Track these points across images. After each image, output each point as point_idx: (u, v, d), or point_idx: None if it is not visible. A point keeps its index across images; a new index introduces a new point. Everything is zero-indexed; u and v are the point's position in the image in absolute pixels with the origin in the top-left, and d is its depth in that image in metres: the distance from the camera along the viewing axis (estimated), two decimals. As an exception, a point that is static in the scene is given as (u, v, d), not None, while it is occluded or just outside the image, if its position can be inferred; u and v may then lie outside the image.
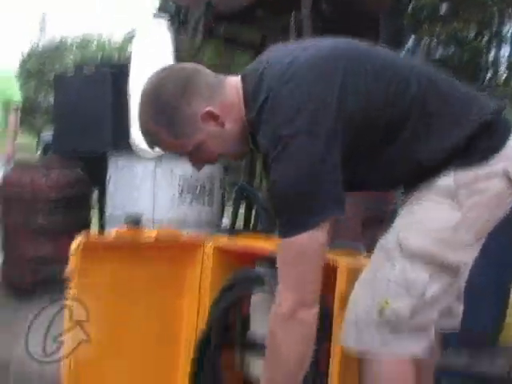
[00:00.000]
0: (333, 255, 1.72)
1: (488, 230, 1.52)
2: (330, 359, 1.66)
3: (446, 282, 1.48)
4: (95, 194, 4.46)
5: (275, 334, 1.45)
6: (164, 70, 1.55)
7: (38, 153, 10.34)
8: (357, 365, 1.53)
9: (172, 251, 1.95)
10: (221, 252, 2.01)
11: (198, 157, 1.54)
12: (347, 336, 1.51)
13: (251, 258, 2.01)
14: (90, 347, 1.70)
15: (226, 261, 2.00)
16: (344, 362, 1.63)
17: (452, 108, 1.47)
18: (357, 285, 1.52)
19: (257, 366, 1.87)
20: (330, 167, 1.39)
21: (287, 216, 1.40)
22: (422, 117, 1.45)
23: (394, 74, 1.47)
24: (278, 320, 1.44)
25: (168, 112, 1.47)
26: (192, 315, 2.00)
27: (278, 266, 1.45)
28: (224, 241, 2.05)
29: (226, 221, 4.33)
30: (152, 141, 1.53)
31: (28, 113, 14.80)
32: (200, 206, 3.51)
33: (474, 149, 1.44)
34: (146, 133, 1.53)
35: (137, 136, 3.94)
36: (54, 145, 4.78)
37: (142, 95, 1.52)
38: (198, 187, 3.49)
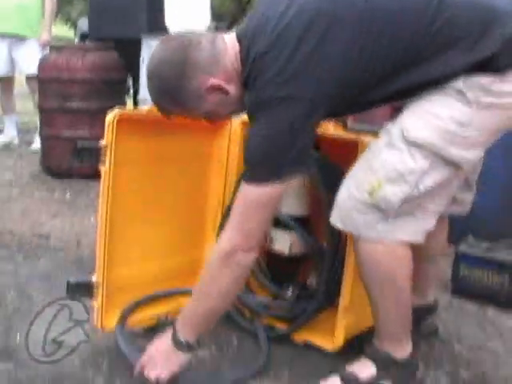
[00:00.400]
0: (355, 135, 1.76)
1: (499, 133, 1.51)
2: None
3: (444, 176, 1.47)
4: (130, 80, 4.50)
5: (210, 268, 1.55)
6: (162, 47, 1.54)
7: (76, 41, 10.30)
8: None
9: (200, 127, 1.98)
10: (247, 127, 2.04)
11: (210, 119, 1.65)
12: (335, 213, 1.55)
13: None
14: (123, 213, 1.80)
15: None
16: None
17: (473, 25, 1.42)
18: (356, 163, 1.55)
19: (279, 240, 1.99)
20: (306, 131, 1.45)
21: (256, 165, 1.47)
22: (443, 36, 1.42)
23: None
24: (217, 256, 1.53)
25: (172, 92, 1.52)
26: (219, 190, 2.08)
27: (232, 206, 1.53)
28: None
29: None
30: (163, 112, 1.61)
31: (65, 1, 14.58)
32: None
33: (496, 63, 1.40)
34: (157, 106, 1.61)
35: (170, 20, 3.93)
36: (90, 31, 4.79)
37: (147, 74, 1.57)
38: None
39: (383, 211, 1.47)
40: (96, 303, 1.76)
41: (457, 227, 2.00)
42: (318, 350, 1.84)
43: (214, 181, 2.09)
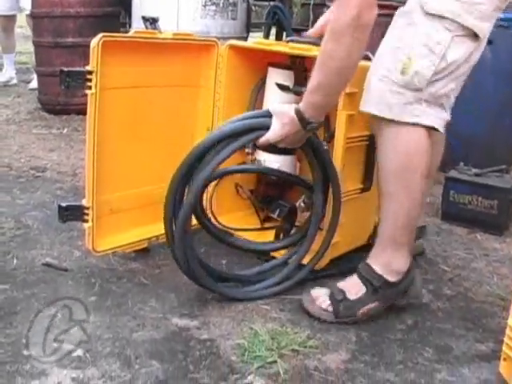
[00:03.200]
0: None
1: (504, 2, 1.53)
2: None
3: (467, 49, 1.51)
4: (121, 15, 4.40)
5: (339, 36, 1.46)
6: None
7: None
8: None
9: (188, 51, 1.96)
10: (235, 52, 2.02)
11: None
12: (366, 100, 1.57)
13: (265, 59, 2.03)
14: (111, 138, 1.79)
15: (240, 61, 2.02)
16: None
17: None
18: (380, 47, 1.57)
19: (268, 162, 2.02)
20: None
21: None
22: None
23: None
24: (344, 24, 1.44)
25: None
26: (207, 116, 2.06)
27: None
28: (239, 42, 2.05)
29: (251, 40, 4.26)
30: None
31: None
32: (224, 19, 3.46)
33: None
34: None
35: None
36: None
37: None
38: (222, 0, 3.43)
39: (417, 89, 1.50)
40: (87, 226, 1.77)
41: (449, 156, 1.98)
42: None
43: (202, 107, 2.07)
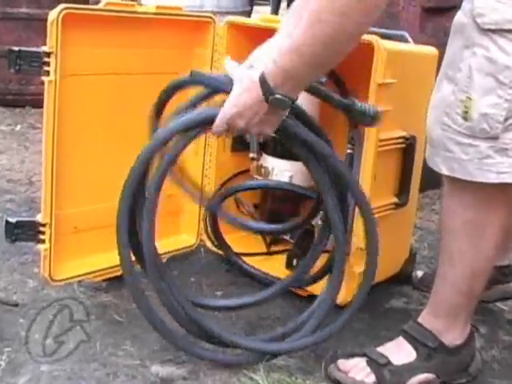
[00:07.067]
0: (373, 37, 1.73)
1: None
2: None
3: None
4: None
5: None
6: None
7: None
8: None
9: (176, 29, 1.97)
10: (236, 30, 2.03)
11: None
12: (432, 155, 1.53)
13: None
14: (73, 137, 1.79)
15: (242, 42, 2.00)
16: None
17: None
18: (440, 72, 1.52)
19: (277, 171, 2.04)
20: None
21: None
22: None
23: None
24: None
25: None
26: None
27: None
28: (241, 19, 2.08)
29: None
30: None
31: None
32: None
33: None
34: None
35: None
36: None
37: None
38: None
39: (492, 138, 1.42)
40: (43, 247, 1.76)
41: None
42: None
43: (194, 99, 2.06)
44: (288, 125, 1.49)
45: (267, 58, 1.39)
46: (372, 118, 1.53)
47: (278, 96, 1.38)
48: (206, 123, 1.52)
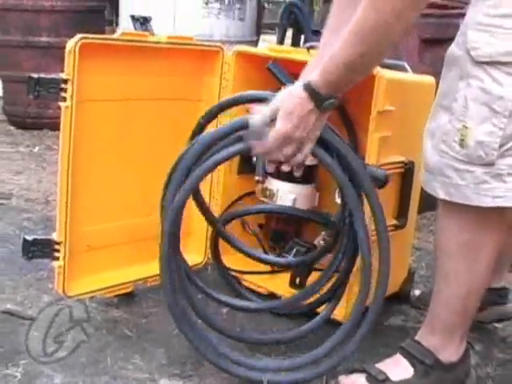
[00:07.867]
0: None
1: None
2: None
3: None
4: (107, 10, 4.49)
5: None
6: None
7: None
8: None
9: (186, 58, 2.02)
10: (244, 59, 2.07)
11: None
12: (429, 181, 1.55)
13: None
14: (89, 160, 1.85)
15: (250, 71, 2.07)
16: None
17: None
18: (435, 102, 1.56)
19: (282, 194, 2.06)
20: None
21: None
22: None
23: None
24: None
25: None
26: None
27: None
28: (248, 48, 2.12)
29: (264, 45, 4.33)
30: None
31: None
32: (229, 20, 3.52)
33: None
34: None
35: None
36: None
37: None
38: (228, -4, 3.53)
39: (488, 164, 1.45)
40: (58, 264, 1.80)
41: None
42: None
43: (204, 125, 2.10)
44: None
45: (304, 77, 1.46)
46: (383, 183, 1.60)
47: (332, 100, 1.45)
48: (243, 128, 1.54)
